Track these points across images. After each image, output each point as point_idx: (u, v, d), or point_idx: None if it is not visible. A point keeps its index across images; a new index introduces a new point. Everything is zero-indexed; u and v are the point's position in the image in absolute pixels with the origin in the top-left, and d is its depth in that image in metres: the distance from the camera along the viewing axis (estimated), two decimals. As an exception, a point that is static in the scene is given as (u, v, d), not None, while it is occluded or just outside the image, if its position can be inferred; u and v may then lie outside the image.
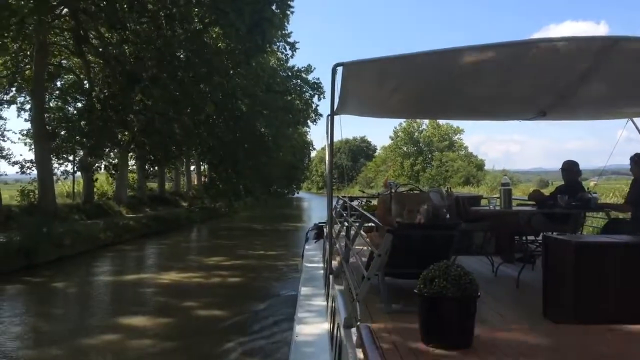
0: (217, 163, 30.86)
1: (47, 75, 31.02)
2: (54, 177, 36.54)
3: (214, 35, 24.22)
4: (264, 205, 39.27)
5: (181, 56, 22.65)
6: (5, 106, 33.16)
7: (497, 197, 7.43)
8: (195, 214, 37.40)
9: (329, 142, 6.06)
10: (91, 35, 26.38)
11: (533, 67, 5.12)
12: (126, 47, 21.67)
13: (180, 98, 22.61)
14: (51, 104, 31.96)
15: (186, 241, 27.48)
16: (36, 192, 27.61)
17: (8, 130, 31.74)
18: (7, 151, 30.76)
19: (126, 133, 24.63)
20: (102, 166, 29.32)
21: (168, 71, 21.17)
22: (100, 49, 23.06)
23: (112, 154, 35.31)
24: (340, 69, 5.07)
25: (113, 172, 27.91)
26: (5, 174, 32.08)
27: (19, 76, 30.66)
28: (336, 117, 5.92)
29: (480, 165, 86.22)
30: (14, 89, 32.17)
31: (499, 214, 6.97)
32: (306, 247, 12.70)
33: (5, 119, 33.01)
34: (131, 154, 29.34)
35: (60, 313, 11.74)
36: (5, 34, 26.55)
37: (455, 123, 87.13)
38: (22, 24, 24.40)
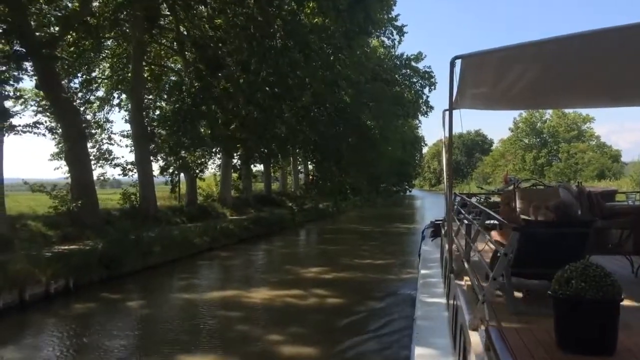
0: (320, 160, 28.38)
1: (152, 76, 30.63)
2: (163, 179, 36.66)
3: (310, 14, 21.68)
4: (372, 204, 36.35)
5: (276, 41, 20.30)
6: (115, 109, 33.25)
7: (637, 192, 7.30)
8: (300, 215, 35.28)
9: (448, 137, 6.12)
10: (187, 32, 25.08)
11: None
12: (213, 34, 19.70)
13: (277, 88, 20.26)
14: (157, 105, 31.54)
15: (286, 246, 25.23)
16: (138, 194, 26.86)
17: (115, 134, 31.51)
18: (113, 154, 30.30)
19: (209, 129, 22.82)
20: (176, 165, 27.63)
21: (259, 56, 18.91)
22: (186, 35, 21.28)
23: (217, 156, 34.25)
24: (458, 62, 4.97)
25: (197, 171, 26.12)
26: (113, 177, 31.92)
27: (123, 78, 30.36)
28: (454, 112, 5.88)
29: (616, 157, 76.81)
30: (122, 93, 31.94)
31: (638, 209, 6.68)
32: (422, 245, 12.38)
33: (112, 122, 32.78)
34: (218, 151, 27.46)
35: (118, 346, 9.60)
36: (106, 34, 26.28)
37: (584, 111, 78.63)
38: (117, 21, 23.62)
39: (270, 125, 21.93)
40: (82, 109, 29.91)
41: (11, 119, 17.00)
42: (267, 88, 21.75)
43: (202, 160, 28.04)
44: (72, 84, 28.54)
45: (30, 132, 18.68)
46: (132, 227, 18.94)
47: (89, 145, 30.63)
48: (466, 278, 5.47)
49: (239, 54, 18.42)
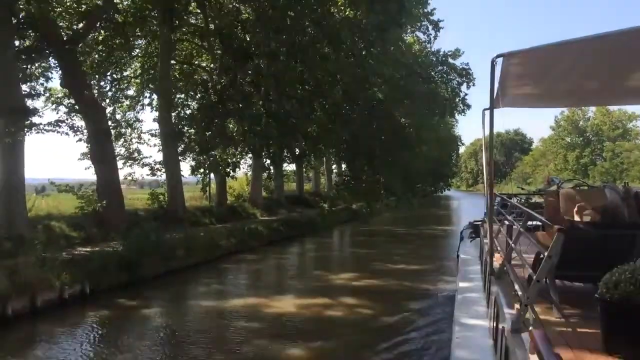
0: (351, 159, 27.24)
1: (182, 75, 30.19)
2: (195, 179, 36.27)
3: (341, 5, 20.56)
4: (407, 205, 35.11)
5: (307, 34, 19.18)
6: (147, 108, 32.99)
7: None
8: (332, 216, 34.23)
9: (489, 137, 6.21)
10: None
11: None
12: (240, 25, 18.65)
13: (307, 84, 19.24)
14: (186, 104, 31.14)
15: (316, 249, 24.27)
16: (166, 195, 26.33)
17: (145, 133, 31.14)
18: (142, 154, 29.91)
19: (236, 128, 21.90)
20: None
21: (287, 46, 17.85)
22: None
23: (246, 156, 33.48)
24: (500, 60, 4.94)
25: (227, 171, 24.98)
26: (142, 177, 31.57)
27: (154, 77, 29.96)
28: (494, 111, 5.85)
29: (664, 155, 73.07)
30: (153, 93, 31.57)
31: None
32: (461, 246, 12.24)
33: (142, 121, 32.42)
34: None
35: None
36: (136, 33, 25.90)
37: (629, 108, 75.24)
38: (143, 18, 23.11)
39: (301, 121, 20.79)
40: (111, 108, 29.88)
41: (32, 118, 16.47)
42: (297, 84, 20.67)
43: (233, 159, 27.16)
44: (102, 83, 28.47)
45: (53, 131, 18.22)
46: (156, 228, 18.27)
47: (119, 144, 30.58)
48: (508, 280, 5.40)
49: (266, 45, 17.42)
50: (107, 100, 29.05)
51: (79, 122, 22.61)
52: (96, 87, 27.62)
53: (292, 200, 41.53)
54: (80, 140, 19.89)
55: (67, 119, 19.72)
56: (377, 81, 25.24)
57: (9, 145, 15.74)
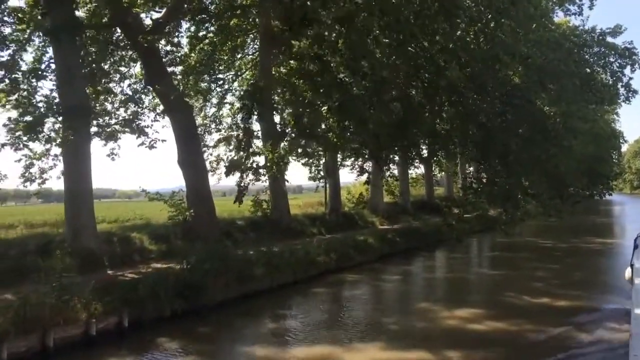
0: (481, 158, 22.57)
1: (291, 70, 27.89)
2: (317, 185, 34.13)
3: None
4: (556, 212, 29.42)
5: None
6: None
7: None
8: (462, 224, 29.47)
9: None
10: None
11: None
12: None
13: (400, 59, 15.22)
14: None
15: (434, 268, 20.13)
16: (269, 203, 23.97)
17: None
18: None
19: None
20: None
21: (368, 9, 14.06)
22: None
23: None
24: None
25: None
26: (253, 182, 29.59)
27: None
28: None
29: None
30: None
31: None
32: (635, 255, 10.58)
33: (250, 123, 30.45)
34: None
35: None
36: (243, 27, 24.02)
37: None
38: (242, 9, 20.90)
39: (376, 110, 16.39)
40: (220, 112, 28.45)
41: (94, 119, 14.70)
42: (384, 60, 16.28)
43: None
44: (212, 85, 27.12)
45: (121, 132, 16.46)
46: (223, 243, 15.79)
47: (228, 149, 28.98)
48: None
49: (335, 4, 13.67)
50: (213, 101, 27.70)
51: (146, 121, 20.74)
52: (205, 87, 26.31)
53: (420, 206, 37.57)
54: (142, 143, 17.91)
55: (134, 119, 17.81)
56: (510, 62, 20.37)
57: (73, 149, 14.15)
